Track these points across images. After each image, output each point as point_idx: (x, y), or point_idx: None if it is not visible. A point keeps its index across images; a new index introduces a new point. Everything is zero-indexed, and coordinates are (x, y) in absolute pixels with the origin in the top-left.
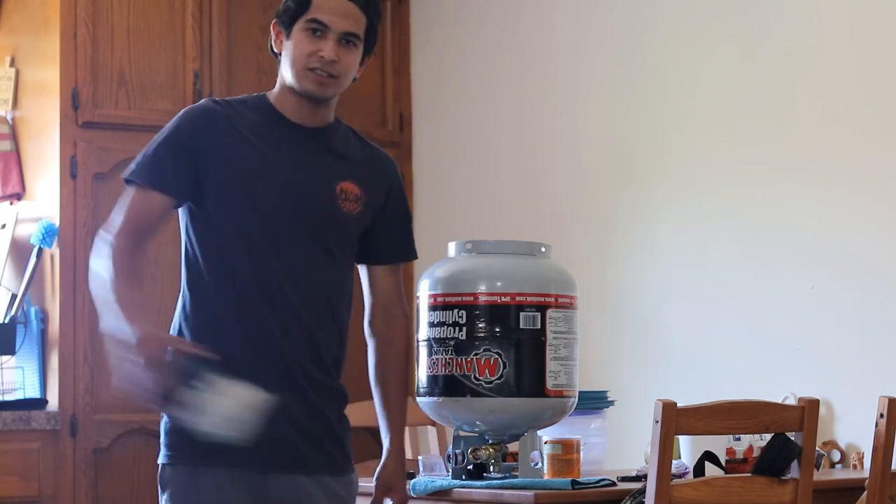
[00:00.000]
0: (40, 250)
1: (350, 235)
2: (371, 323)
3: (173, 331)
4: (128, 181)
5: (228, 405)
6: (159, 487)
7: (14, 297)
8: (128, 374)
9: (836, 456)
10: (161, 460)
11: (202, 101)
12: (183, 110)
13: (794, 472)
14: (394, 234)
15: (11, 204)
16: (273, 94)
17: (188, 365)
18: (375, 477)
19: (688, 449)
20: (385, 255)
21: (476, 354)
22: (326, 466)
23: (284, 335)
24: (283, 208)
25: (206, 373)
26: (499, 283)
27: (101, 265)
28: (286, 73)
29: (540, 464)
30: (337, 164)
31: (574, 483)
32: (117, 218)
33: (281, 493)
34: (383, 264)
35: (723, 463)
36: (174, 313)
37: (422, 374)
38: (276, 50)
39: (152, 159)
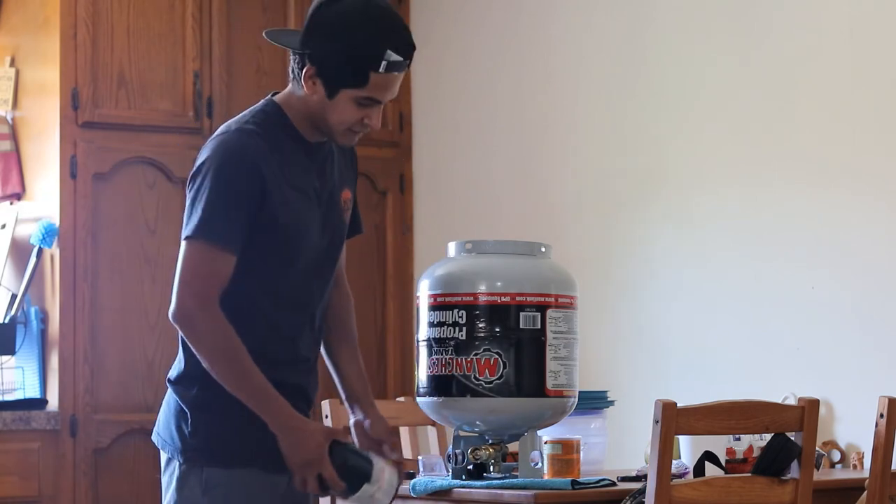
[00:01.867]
0: (40, 250)
1: None
2: None
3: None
4: (196, 238)
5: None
6: (196, 487)
7: (14, 297)
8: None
9: (836, 456)
10: (198, 460)
11: (238, 136)
12: (229, 152)
13: (794, 472)
14: (353, 213)
15: (11, 204)
16: (287, 105)
17: (335, 450)
18: (370, 432)
19: (688, 449)
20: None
21: (476, 354)
22: None
23: (309, 350)
24: (320, 236)
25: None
26: (499, 283)
27: (208, 340)
28: (315, 117)
29: (540, 464)
30: (337, 175)
31: (574, 483)
32: (197, 283)
33: (296, 496)
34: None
35: (723, 463)
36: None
37: (422, 374)
38: (304, 87)
39: (221, 216)
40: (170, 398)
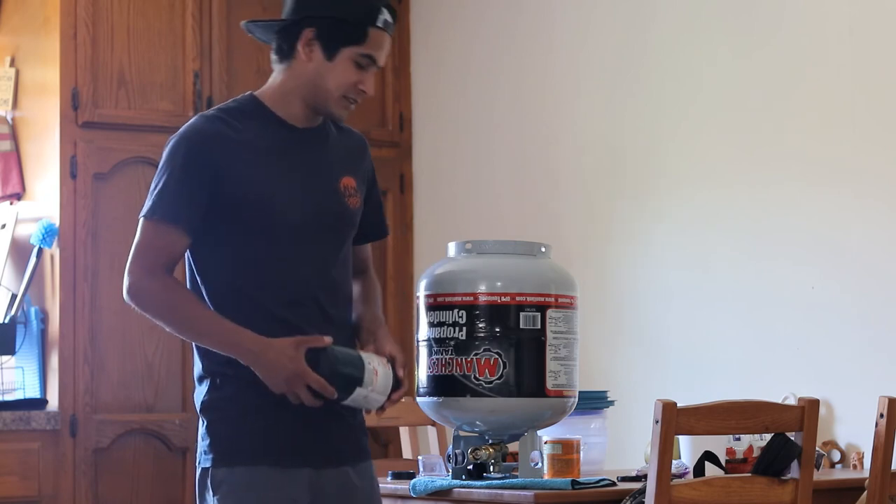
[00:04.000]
0: (40, 250)
1: (355, 229)
2: None
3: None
4: (148, 217)
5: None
6: (209, 490)
7: (14, 297)
8: (283, 384)
9: (836, 456)
10: (207, 463)
11: (195, 121)
12: (183, 136)
13: (794, 472)
14: (373, 213)
15: (11, 204)
16: (266, 94)
17: (321, 359)
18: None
19: (688, 449)
20: (368, 234)
21: (476, 354)
22: (358, 455)
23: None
24: (303, 214)
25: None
26: (499, 283)
27: (158, 302)
28: (310, 87)
29: (540, 464)
30: (334, 161)
31: (574, 483)
32: (146, 257)
33: (331, 486)
34: (365, 243)
35: (723, 463)
36: None
37: (422, 374)
38: (300, 56)
39: (172, 194)
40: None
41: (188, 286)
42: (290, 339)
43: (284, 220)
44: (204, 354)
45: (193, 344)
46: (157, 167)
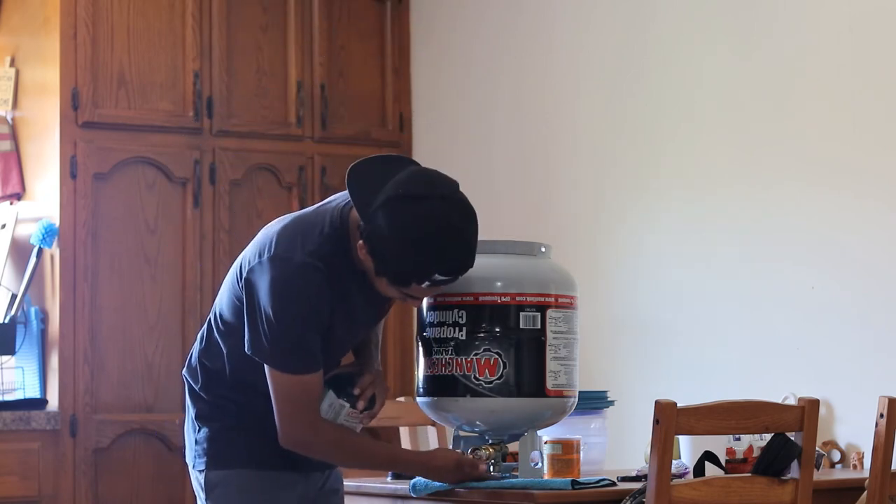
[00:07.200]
0: (40, 250)
1: None
2: None
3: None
4: (293, 373)
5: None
6: (203, 491)
7: (14, 297)
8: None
9: (836, 456)
10: (202, 466)
11: (307, 271)
12: (305, 281)
13: (794, 472)
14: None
15: (11, 204)
16: (353, 232)
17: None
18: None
19: (688, 449)
20: None
21: (476, 354)
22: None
23: None
24: (341, 353)
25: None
26: (499, 283)
27: (332, 452)
28: (368, 267)
29: (540, 464)
30: (387, 304)
31: (574, 483)
32: (307, 413)
33: (314, 489)
34: None
35: (723, 463)
36: (201, 356)
37: (422, 374)
38: (358, 250)
39: (305, 348)
40: (187, 411)
41: (203, 342)
42: (452, 462)
43: (333, 356)
44: (206, 389)
45: (198, 350)
46: (156, 167)
